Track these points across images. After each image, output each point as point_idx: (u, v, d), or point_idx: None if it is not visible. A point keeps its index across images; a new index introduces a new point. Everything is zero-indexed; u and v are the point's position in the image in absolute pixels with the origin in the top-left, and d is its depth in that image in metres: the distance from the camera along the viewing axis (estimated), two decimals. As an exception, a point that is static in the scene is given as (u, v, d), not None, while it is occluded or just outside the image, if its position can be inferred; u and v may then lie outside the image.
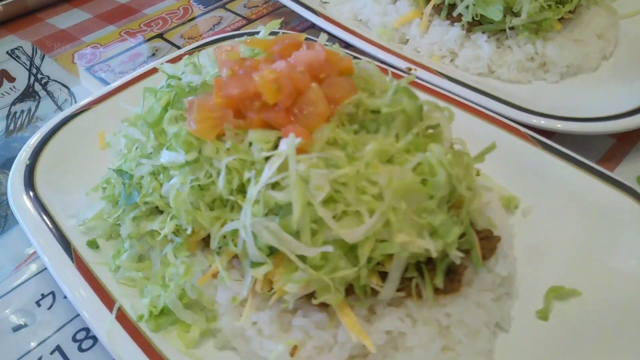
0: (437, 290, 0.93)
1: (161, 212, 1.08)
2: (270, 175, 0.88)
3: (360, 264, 0.86)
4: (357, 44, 1.66)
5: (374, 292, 0.91)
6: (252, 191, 0.88)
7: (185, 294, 1.01)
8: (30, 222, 1.17)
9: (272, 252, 0.90)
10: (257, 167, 0.94)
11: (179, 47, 1.90)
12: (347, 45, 1.72)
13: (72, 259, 1.10)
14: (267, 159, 0.93)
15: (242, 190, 0.96)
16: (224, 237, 0.95)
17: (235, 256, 0.98)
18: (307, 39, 1.21)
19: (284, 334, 0.95)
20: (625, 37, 1.67)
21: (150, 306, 1.00)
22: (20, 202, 1.21)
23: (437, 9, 1.62)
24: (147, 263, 1.10)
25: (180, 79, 1.15)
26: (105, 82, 1.77)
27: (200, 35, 1.95)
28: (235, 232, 0.93)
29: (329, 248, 0.84)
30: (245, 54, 1.11)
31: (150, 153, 1.11)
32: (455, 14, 1.57)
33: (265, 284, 0.95)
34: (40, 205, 1.21)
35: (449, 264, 0.93)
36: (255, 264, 0.91)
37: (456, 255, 0.90)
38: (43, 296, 1.19)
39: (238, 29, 1.98)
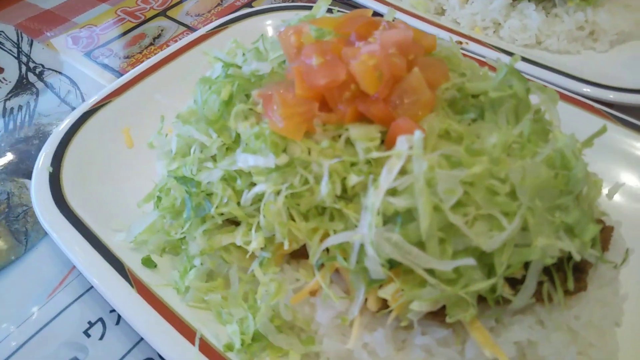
0: (565, 292, 0.84)
1: (233, 222, 0.95)
2: (392, 179, 0.76)
3: (498, 274, 0.76)
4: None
5: (504, 301, 0.82)
6: (374, 199, 0.76)
7: (278, 315, 0.89)
8: (70, 242, 1.02)
9: (391, 266, 0.78)
10: (362, 168, 0.82)
11: (188, 26, 1.72)
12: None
13: (130, 282, 0.96)
14: (374, 160, 0.81)
15: (343, 196, 0.84)
16: (326, 250, 0.84)
17: (335, 270, 0.87)
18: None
19: (400, 353, 0.85)
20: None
21: (241, 333, 0.87)
22: (53, 219, 1.05)
23: (479, -24, 1.51)
24: (219, 281, 0.97)
25: (240, 67, 1.01)
26: (110, 69, 1.59)
27: (209, 12, 1.78)
28: (344, 245, 0.81)
29: (470, 261, 0.74)
30: (314, 36, 0.97)
31: (214, 155, 0.97)
32: (501, -20, 1.46)
33: (378, 301, 0.84)
34: (77, 220, 1.06)
35: (575, 262, 0.85)
36: (373, 281, 0.80)
37: (592, 255, 0.82)
38: (91, 324, 1.04)
39: (249, 2, 1.81)
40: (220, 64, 1.04)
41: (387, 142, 0.83)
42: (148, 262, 1.00)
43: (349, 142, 0.86)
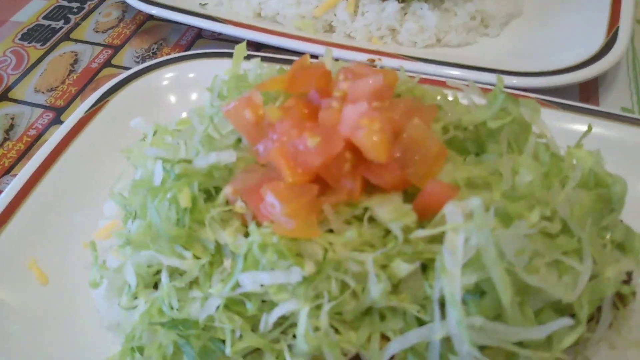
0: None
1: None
2: (461, 260, 0.65)
3: (582, 320, 0.70)
4: (278, 44, 1.40)
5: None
6: (450, 289, 0.64)
7: None
8: None
9: (476, 351, 0.68)
10: (403, 250, 0.69)
11: (45, 107, 1.42)
12: (258, 48, 1.46)
13: None
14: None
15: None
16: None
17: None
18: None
19: None
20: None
21: None
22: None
23: (363, -16, 1.43)
24: None
25: (189, 161, 0.81)
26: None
27: (64, 83, 1.48)
28: (416, 345, 0.68)
29: (567, 321, 0.66)
30: (273, 112, 0.81)
31: (195, 278, 0.78)
32: (387, -14, 1.40)
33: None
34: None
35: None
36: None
37: None
38: None
39: (108, 60, 1.54)
40: (157, 166, 0.83)
41: (419, 212, 0.71)
42: None
43: (371, 219, 0.72)
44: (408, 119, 0.76)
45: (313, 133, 0.72)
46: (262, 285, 0.71)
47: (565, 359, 0.69)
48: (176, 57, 1.30)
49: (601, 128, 1.11)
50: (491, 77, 1.27)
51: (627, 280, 0.82)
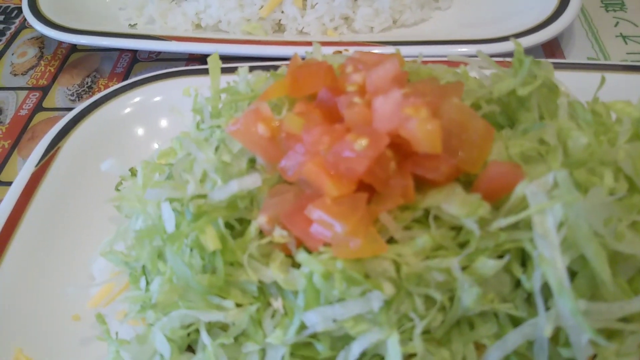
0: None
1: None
2: (557, 243, 0.58)
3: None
4: (232, 51, 1.29)
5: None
6: (557, 278, 0.57)
7: None
8: None
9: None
10: (484, 246, 0.62)
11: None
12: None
13: None
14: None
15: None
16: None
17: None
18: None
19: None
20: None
21: None
22: None
23: (307, -24, 1.35)
24: None
25: (205, 196, 0.69)
26: None
27: (-7, 138, 1.29)
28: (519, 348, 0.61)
29: (672, 282, 0.61)
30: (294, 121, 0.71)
31: (244, 331, 0.66)
32: (333, -26, 1.32)
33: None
34: None
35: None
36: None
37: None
38: None
39: (38, 104, 1.36)
40: (165, 209, 0.71)
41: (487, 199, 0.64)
42: None
43: (437, 220, 0.64)
44: (441, 100, 0.68)
45: (357, 135, 0.63)
46: (336, 324, 0.61)
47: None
48: (126, 85, 1.15)
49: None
50: (460, 49, 1.23)
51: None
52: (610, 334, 0.63)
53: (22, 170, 1.02)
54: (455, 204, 0.62)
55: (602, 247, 0.59)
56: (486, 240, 0.62)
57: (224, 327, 0.67)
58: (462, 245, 0.62)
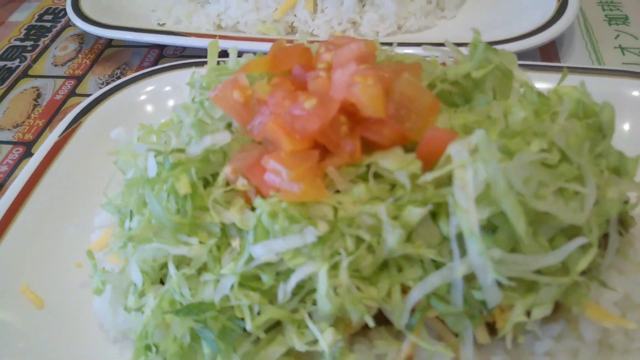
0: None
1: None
2: (473, 194, 0.65)
3: (594, 243, 0.71)
4: (247, 48, 1.40)
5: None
6: (468, 223, 0.64)
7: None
8: None
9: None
10: (414, 198, 0.69)
11: (13, 142, 1.38)
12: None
13: None
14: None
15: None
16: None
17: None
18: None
19: (525, 372, 0.75)
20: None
21: None
22: None
23: (319, -18, 1.46)
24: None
25: (183, 151, 0.80)
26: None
27: (29, 117, 1.45)
28: (437, 289, 0.68)
29: (582, 240, 0.67)
30: (262, 87, 0.81)
31: (205, 264, 0.76)
32: (343, -20, 1.43)
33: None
34: None
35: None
36: (489, 311, 0.68)
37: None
38: None
39: (72, 90, 1.52)
40: (150, 160, 0.82)
41: (421, 160, 0.72)
42: None
43: (376, 176, 0.73)
44: (397, 76, 0.77)
45: (308, 97, 0.72)
46: (276, 255, 0.69)
47: (582, 280, 0.69)
48: (147, 72, 1.29)
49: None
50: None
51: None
52: (528, 287, 0.70)
53: (49, 138, 1.17)
54: (391, 160, 0.71)
55: (519, 204, 0.66)
56: (416, 193, 0.69)
57: (188, 262, 0.77)
58: (397, 198, 0.70)
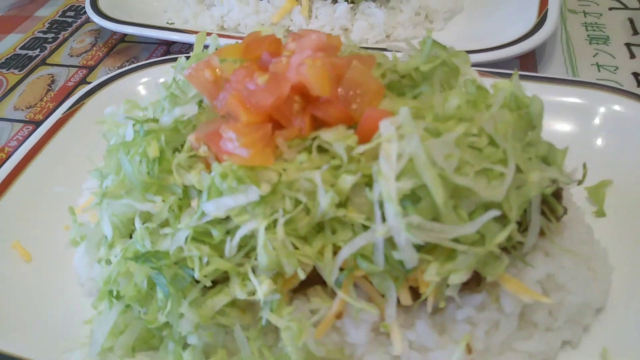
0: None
1: (214, 283, 0.83)
2: (395, 163, 0.73)
3: (512, 219, 0.78)
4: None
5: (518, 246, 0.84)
6: (387, 189, 0.72)
7: (310, 356, 0.80)
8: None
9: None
10: (349, 168, 0.78)
11: (24, 121, 1.51)
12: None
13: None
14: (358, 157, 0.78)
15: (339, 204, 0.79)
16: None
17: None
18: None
19: (445, 337, 0.82)
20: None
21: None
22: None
23: (315, -10, 1.57)
24: (221, 353, 0.85)
25: (157, 120, 0.90)
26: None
27: (42, 100, 1.57)
28: (362, 250, 0.76)
29: (494, 212, 0.74)
30: (229, 66, 0.92)
31: (166, 220, 0.85)
32: (336, -11, 1.54)
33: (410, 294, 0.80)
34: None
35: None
36: (408, 272, 0.76)
37: (568, 178, 0.88)
38: None
39: (83, 78, 1.64)
40: (129, 128, 0.92)
41: (360, 137, 0.80)
42: (125, 369, 0.84)
43: (320, 149, 0.81)
44: (349, 64, 0.86)
45: (262, 74, 0.82)
46: (224, 212, 0.78)
47: (498, 252, 0.77)
48: (146, 64, 1.41)
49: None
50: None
51: (558, 197, 0.92)
52: (448, 255, 0.77)
53: (54, 114, 1.29)
54: (331, 134, 0.80)
55: (439, 177, 0.74)
56: (351, 164, 0.78)
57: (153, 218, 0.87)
58: (332, 165, 0.79)
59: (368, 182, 0.78)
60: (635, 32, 1.63)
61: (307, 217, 0.78)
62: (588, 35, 1.62)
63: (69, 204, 1.10)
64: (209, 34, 1.20)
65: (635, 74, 1.47)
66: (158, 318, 0.82)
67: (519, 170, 0.80)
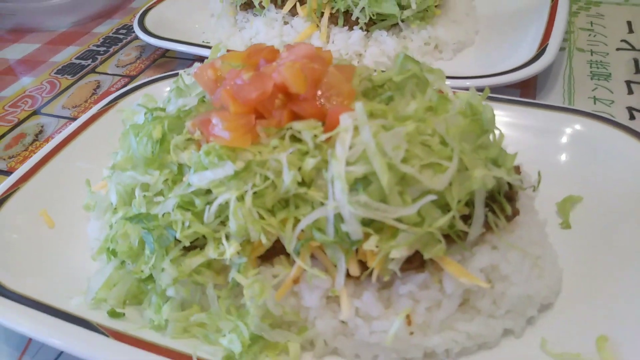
0: (505, 219, 0.99)
1: (195, 247, 0.97)
2: (347, 148, 0.86)
3: (453, 207, 0.88)
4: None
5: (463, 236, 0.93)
6: (337, 169, 0.85)
7: (268, 314, 0.92)
8: (24, 322, 0.96)
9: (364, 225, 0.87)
10: (314, 154, 0.91)
11: (68, 118, 1.71)
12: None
13: (104, 334, 0.93)
14: (322, 144, 0.91)
15: (302, 184, 0.91)
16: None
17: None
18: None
19: (389, 310, 0.92)
20: (482, 15, 1.96)
21: (240, 338, 0.88)
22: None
23: (333, 18, 1.73)
24: (195, 307, 0.97)
25: (164, 110, 1.06)
26: (-3, 172, 1.52)
27: (86, 102, 1.79)
28: (318, 222, 0.88)
29: (431, 197, 0.85)
30: (228, 67, 1.07)
31: (161, 190, 1.00)
32: (353, 18, 1.69)
33: (358, 266, 0.91)
34: (22, 298, 1.00)
35: (505, 192, 1.00)
36: (354, 243, 0.87)
37: (516, 179, 0.97)
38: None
39: (124, 86, 1.85)
40: (141, 115, 1.08)
41: (327, 129, 0.93)
42: (115, 314, 0.98)
43: (293, 138, 0.95)
44: (327, 70, 1.00)
45: (248, 71, 0.97)
46: (206, 183, 0.92)
47: (437, 234, 0.87)
48: (174, 73, 1.59)
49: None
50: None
51: (511, 199, 1.01)
52: (392, 234, 0.88)
53: (90, 110, 1.48)
54: (301, 124, 0.93)
55: (386, 164, 0.85)
56: (315, 150, 0.91)
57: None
58: (296, 149, 0.92)
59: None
60: (637, 71, 1.70)
61: (274, 192, 0.91)
62: (591, 72, 1.71)
63: (92, 182, 1.28)
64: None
65: (629, 108, 1.54)
66: (143, 270, 0.96)
67: (465, 166, 0.90)
